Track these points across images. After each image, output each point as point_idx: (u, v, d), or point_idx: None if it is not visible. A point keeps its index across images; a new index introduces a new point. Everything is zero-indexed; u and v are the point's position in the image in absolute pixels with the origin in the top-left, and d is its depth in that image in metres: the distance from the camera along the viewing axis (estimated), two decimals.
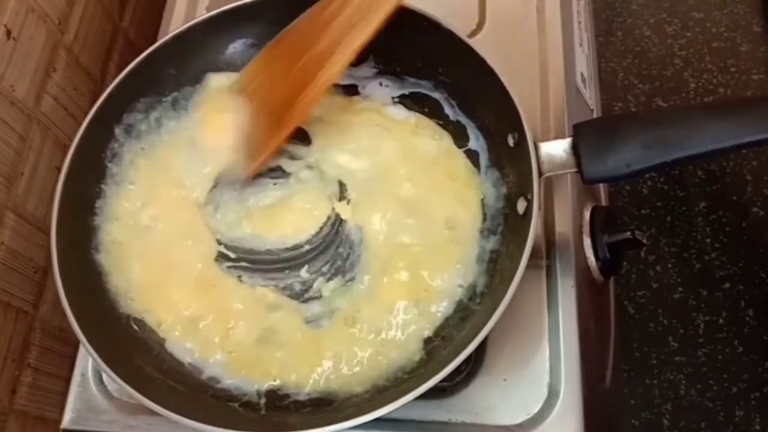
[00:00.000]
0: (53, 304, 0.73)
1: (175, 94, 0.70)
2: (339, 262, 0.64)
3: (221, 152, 0.67)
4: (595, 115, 0.82)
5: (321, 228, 0.66)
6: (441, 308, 0.60)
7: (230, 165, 0.67)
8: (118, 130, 0.67)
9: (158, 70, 0.68)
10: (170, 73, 0.69)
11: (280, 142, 0.66)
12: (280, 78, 0.65)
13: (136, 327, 0.62)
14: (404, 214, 0.64)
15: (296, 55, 0.64)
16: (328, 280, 0.63)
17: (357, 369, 0.59)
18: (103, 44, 0.84)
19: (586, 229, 0.67)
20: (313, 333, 0.61)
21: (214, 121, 0.69)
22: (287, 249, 0.65)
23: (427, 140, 0.67)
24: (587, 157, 0.56)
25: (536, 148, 0.58)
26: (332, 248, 0.65)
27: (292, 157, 0.68)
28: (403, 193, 0.65)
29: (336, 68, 0.63)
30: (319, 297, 0.63)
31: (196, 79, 0.71)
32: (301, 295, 0.63)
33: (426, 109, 0.69)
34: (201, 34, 0.69)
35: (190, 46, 0.69)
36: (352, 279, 0.63)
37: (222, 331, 0.62)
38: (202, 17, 0.68)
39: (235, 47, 0.71)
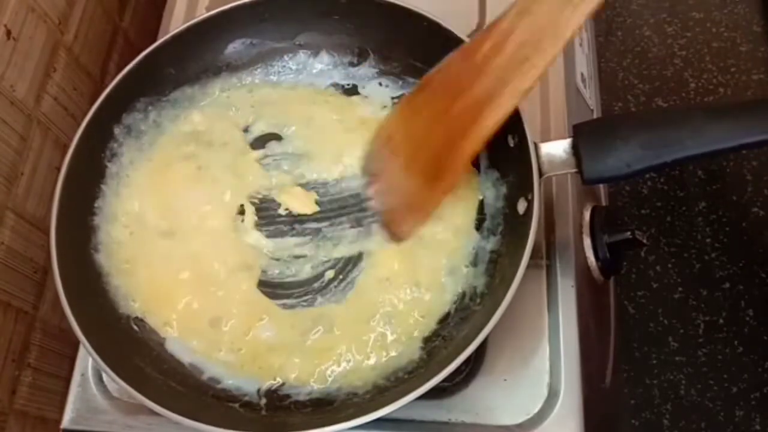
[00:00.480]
0: (53, 304, 0.73)
1: (175, 93, 0.70)
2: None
3: None
4: (595, 115, 0.82)
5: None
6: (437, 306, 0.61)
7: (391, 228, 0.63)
8: (117, 130, 0.67)
9: (158, 70, 0.68)
10: (170, 72, 0.69)
11: (441, 199, 0.61)
12: (430, 128, 0.59)
13: (136, 327, 0.62)
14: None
15: (447, 101, 0.57)
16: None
17: (357, 368, 0.59)
18: (103, 44, 0.84)
19: (586, 229, 0.67)
20: (313, 332, 0.61)
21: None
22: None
23: None
24: (587, 158, 0.56)
25: (536, 148, 0.58)
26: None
27: None
28: None
29: (503, 115, 0.55)
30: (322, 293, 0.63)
31: (196, 79, 0.71)
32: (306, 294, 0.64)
33: None
34: (200, 34, 0.69)
35: (190, 46, 0.69)
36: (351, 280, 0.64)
37: (230, 331, 0.62)
38: (201, 17, 0.68)
39: (235, 47, 0.71)
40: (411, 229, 0.62)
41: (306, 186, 0.68)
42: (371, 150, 0.65)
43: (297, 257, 0.65)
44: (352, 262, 0.64)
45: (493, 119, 0.55)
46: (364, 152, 0.66)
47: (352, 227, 0.65)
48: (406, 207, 0.62)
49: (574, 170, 0.57)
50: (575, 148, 0.57)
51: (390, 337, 0.60)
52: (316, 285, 0.64)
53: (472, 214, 0.64)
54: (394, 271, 0.62)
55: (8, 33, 0.67)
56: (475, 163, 0.66)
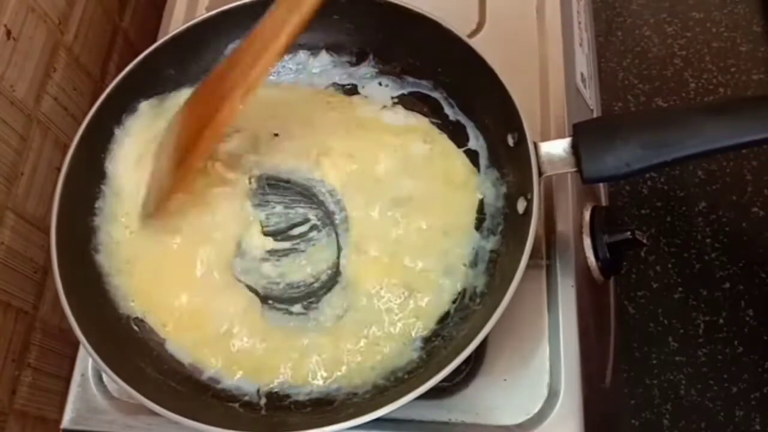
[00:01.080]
0: (53, 304, 0.73)
1: (174, 93, 0.70)
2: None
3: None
4: (595, 115, 0.82)
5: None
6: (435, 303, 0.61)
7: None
8: (117, 131, 0.67)
9: (157, 70, 0.68)
10: (170, 73, 0.69)
11: (180, 181, 0.63)
12: (191, 118, 0.63)
13: (136, 327, 0.62)
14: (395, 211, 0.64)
15: (205, 99, 0.62)
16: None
17: (357, 368, 0.59)
18: (103, 44, 0.84)
19: (586, 229, 0.67)
20: (313, 332, 0.61)
21: None
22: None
23: (419, 144, 0.67)
24: (587, 157, 0.56)
25: (536, 147, 0.58)
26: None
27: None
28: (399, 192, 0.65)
29: (230, 114, 0.60)
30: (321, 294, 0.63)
31: (196, 80, 0.71)
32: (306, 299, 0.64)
33: (425, 109, 0.69)
34: (200, 35, 0.69)
35: (190, 46, 0.69)
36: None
37: (226, 334, 0.62)
38: (201, 17, 0.68)
39: (234, 47, 0.71)
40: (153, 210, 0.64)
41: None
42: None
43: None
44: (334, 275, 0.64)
45: (224, 115, 0.60)
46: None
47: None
48: (158, 191, 0.64)
49: (574, 170, 0.57)
50: (575, 148, 0.57)
51: (387, 341, 0.60)
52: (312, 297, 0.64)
53: (471, 214, 0.64)
54: (382, 281, 0.62)
55: (8, 33, 0.67)
56: (475, 163, 0.66)
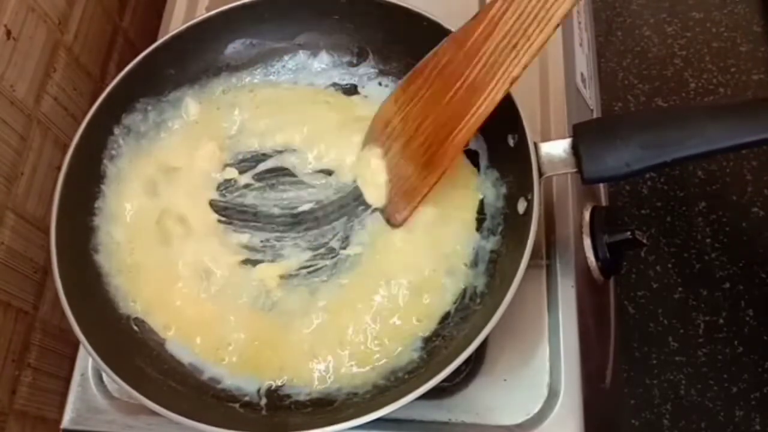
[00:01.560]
0: (53, 304, 0.73)
1: (174, 94, 0.70)
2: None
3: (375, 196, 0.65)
4: (595, 115, 0.82)
5: None
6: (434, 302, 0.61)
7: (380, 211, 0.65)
8: (117, 131, 0.67)
9: (157, 70, 0.68)
10: (170, 73, 0.69)
11: (434, 183, 0.61)
12: (424, 115, 0.60)
13: (136, 327, 0.62)
14: None
15: (443, 89, 0.58)
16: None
17: (357, 368, 0.59)
18: (103, 44, 0.84)
19: (586, 229, 0.67)
20: (313, 331, 0.61)
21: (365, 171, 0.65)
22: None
23: None
24: (587, 157, 0.56)
25: (536, 148, 0.58)
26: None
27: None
28: None
29: (493, 102, 0.55)
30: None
31: (196, 79, 0.71)
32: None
33: None
34: (200, 34, 0.69)
35: (189, 46, 0.69)
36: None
37: (228, 332, 0.62)
38: (201, 17, 0.68)
39: (234, 47, 0.71)
40: (405, 215, 0.63)
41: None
42: (369, 138, 0.65)
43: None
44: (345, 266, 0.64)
45: (484, 108, 0.55)
46: (362, 140, 0.66)
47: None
48: (401, 192, 0.63)
49: (574, 170, 0.57)
50: (575, 148, 0.57)
51: (388, 342, 0.60)
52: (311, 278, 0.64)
53: (472, 214, 0.64)
54: (389, 277, 0.62)
55: (8, 33, 0.67)
56: (475, 163, 0.66)
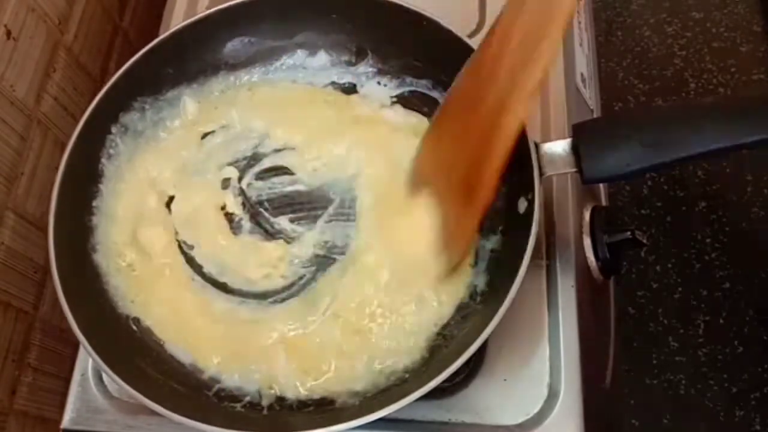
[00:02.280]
0: (53, 304, 0.73)
1: (172, 92, 0.70)
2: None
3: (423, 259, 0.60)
4: (595, 115, 0.82)
5: None
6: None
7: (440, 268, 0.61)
8: (115, 130, 0.67)
9: (155, 69, 0.68)
10: (168, 71, 0.69)
11: (480, 217, 0.58)
12: (455, 151, 0.59)
13: (135, 327, 0.62)
14: None
15: (465, 118, 0.57)
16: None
17: (358, 368, 0.59)
18: (103, 44, 0.84)
19: (586, 229, 0.67)
20: (313, 330, 0.61)
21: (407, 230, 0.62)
22: None
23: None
24: (587, 157, 0.56)
25: (536, 148, 0.58)
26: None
27: None
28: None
29: (516, 122, 0.54)
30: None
31: (194, 78, 0.71)
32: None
33: (425, 108, 0.69)
34: (199, 32, 0.68)
35: (188, 44, 0.69)
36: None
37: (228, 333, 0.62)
38: (200, 15, 0.68)
39: (233, 45, 0.71)
40: (461, 255, 0.61)
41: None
42: (410, 182, 0.63)
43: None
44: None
45: (510, 128, 0.54)
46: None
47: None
48: (449, 235, 0.60)
49: (574, 170, 0.57)
50: (575, 148, 0.57)
51: (388, 341, 0.60)
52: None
53: None
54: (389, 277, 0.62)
55: (8, 33, 0.67)
56: None
